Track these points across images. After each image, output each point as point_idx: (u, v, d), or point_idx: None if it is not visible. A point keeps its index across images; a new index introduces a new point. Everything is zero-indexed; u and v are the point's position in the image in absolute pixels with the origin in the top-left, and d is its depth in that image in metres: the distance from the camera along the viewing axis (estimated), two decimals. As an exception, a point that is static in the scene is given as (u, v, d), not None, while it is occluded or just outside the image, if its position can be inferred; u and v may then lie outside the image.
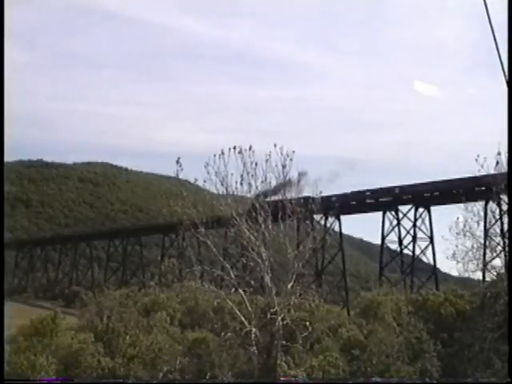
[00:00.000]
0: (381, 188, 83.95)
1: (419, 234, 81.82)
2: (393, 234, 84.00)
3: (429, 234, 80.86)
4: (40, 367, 25.66)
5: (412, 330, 30.38)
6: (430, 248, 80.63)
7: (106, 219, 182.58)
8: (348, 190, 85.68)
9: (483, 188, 46.27)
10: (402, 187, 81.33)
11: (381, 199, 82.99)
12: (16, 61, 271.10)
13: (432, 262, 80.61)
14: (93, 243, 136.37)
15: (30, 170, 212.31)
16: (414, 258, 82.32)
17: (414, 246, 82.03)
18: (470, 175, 48.70)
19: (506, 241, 32.17)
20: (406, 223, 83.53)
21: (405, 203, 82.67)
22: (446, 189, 74.21)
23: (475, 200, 32.20)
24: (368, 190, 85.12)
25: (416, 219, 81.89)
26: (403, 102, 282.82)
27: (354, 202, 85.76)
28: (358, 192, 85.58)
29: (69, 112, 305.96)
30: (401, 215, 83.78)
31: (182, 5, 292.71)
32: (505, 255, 30.28)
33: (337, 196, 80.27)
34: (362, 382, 26.56)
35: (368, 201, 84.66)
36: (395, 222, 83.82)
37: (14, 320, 48.13)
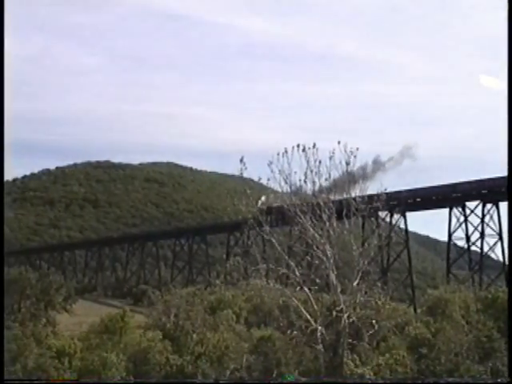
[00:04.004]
0: (447, 184, 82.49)
1: (487, 231, 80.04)
2: (460, 230, 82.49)
3: (497, 230, 79.00)
4: (111, 364, 26.23)
5: (482, 328, 29.67)
6: (498, 244, 78.80)
7: (171, 218, 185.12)
8: (416, 186, 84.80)
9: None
10: (469, 183, 79.71)
11: (447, 195, 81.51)
12: (85, 64, 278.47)
13: (501, 259, 78.78)
14: (159, 242, 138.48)
15: (97, 171, 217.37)
16: (483, 255, 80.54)
17: (482, 243, 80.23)
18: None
19: None
20: (474, 219, 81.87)
21: (472, 199, 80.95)
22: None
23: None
24: (434, 186, 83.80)
25: (484, 215, 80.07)
26: (469, 97, 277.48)
27: (420, 199, 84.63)
28: (424, 188, 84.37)
29: (135, 113, 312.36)
30: (468, 211, 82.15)
31: (246, 4, 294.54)
32: None
33: (402, 192, 79.35)
34: (433, 382, 26.06)
35: (434, 197, 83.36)
36: (462, 219, 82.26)
37: (85, 318, 49.55)
